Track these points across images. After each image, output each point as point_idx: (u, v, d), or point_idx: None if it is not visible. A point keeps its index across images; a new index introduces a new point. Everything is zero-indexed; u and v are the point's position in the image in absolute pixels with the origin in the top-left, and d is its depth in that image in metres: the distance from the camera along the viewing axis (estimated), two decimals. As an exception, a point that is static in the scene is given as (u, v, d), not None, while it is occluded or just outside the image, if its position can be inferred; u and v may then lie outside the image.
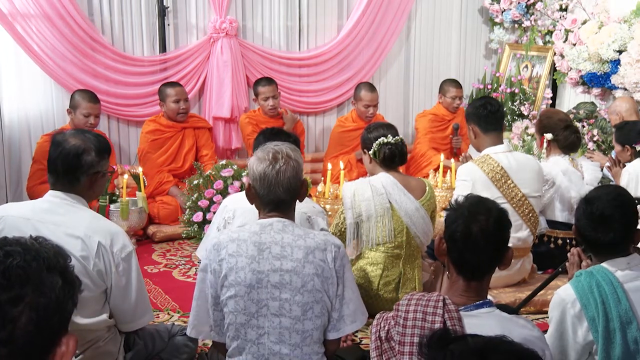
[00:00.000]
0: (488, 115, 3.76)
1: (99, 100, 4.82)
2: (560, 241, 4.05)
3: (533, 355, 1.23)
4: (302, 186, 2.32)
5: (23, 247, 1.20)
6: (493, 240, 1.94)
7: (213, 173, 4.48)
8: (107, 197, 4.18)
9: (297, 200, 2.35)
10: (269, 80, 5.47)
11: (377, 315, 2.08)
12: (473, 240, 1.92)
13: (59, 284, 1.19)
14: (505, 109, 6.31)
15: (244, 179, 4.37)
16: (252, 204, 2.35)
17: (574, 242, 3.82)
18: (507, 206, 3.67)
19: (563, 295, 2.23)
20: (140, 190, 4.43)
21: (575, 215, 2.35)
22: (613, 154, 4.49)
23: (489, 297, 3.53)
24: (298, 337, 2.21)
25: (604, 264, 2.25)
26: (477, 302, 1.94)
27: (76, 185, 2.48)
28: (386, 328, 1.99)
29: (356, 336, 3.19)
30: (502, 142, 3.84)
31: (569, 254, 2.58)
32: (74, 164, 2.46)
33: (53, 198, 2.47)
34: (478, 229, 1.92)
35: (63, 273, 1.22)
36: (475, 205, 2.00)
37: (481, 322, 1.88)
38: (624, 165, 4.23)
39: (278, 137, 3.00)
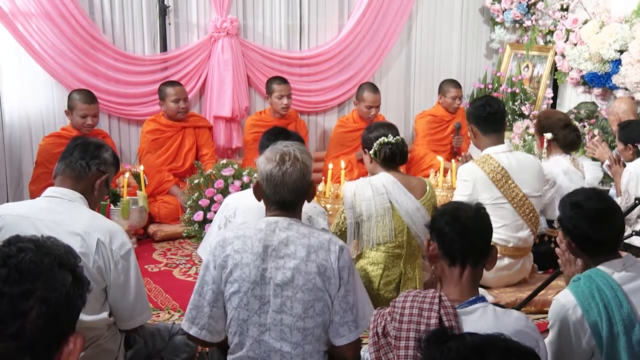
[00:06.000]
0: (487, 116, 3.74)
1: (95, 99, 4.76)
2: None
3: (530, 352, 1.24)
4: (310, 187, 2.34)
5: (35, 244, 1.23)
6: (479, 223, 2.06)
7: (214, 172, 4.49)
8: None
9: (307, 201, 2.38)
10: (283, 79, 5.49)
11: (374, 312, 2.12)
12: (461, 222, 2.03)
13: (69, 280, 1.21)
14: (506, 108, 6.30)
15: (245, 178, 4.37)
16: (259, 200, 2.38)
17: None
18: (507, 206, 3.68)
19: (563, 301, 2.22)
20: (140, 190, 4.43)
21: (568, 227, 2.33)
22: (614, 152, 4.49)
23: (490, 297, 3.54)
24: (299, 335, 2.22)
25: (600, 267, 2.25)
26: (471, 299, 1.98)
27: (84, 176, 2.51)
28: (383, 324, 2.02)
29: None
30: (502, 142, 3.83)
31: (557, 251, 2.54)
32: (92, 151, 2.53)
33: (53, 195, 2.47)
34: (464, 214, 2.05)
35: (73, 271, 1.24)
36: (456, 203, 2.20)
37: (476, 318, 1.93)
38: (624, 165, 4.23)
39: (281, 136, 3.02)
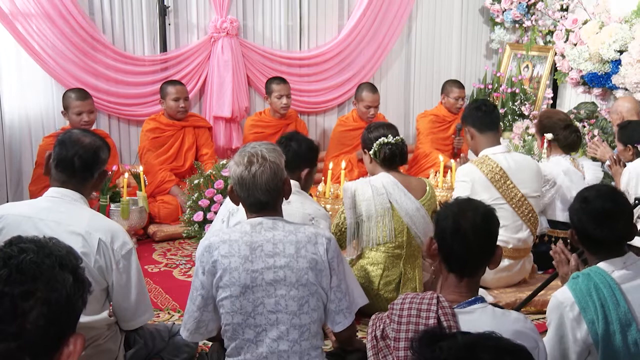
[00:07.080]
0: (484, 115, 3.78)
1: (89, 96, 4.74)
2: (561, 241, 4.05)
3: (521, 350, 1.23)
4: (284, 185, 2.31)
5: (37, 245, 1.24)
6: (481, 234, 1.98)
7: (213, 172, 4.48)
8: (107, 196, 4.18)
9: (285, 199, 2.35)
10: (282, 79, 5.50)
11: (373, 316, 2.11)
12: (462, 235, 1.96)
13: (70, 281, 1.21)
14: (505, 109, 6.32)
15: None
16: (237, 205, 2.37)
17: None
18: (506, 207, 3.68)
19: (561, 298, 2.22)
20: (140, 190, 4.43)
21: (573, 218, 2.34)
22: (614, 152, 4.49)
23: (490, 297, 3.54)
24: (296, 333, 2.23)
25: (600, 265, 2.25)
26: (469, 299, 1.97)
27: (88, 182, 2.52)
28: (381, 327, 2.02)
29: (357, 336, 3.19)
30: (499, 143, 3.84)
31: (551, 252, 2.58)
32: (93, 159, 2.50)
33: (54, 195, 2.47)
34: (467, 223, 1.97)
35: (74, 272, 1.24)
36: (464, 204, 2.08)
37: (475, 318, 1.92)
38: (624, 165, 4.23)
39: (292, 141, 3.05)
